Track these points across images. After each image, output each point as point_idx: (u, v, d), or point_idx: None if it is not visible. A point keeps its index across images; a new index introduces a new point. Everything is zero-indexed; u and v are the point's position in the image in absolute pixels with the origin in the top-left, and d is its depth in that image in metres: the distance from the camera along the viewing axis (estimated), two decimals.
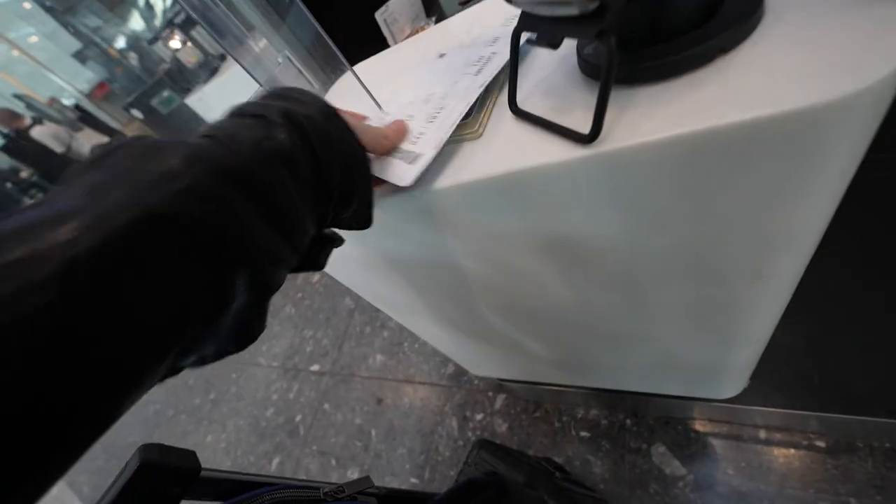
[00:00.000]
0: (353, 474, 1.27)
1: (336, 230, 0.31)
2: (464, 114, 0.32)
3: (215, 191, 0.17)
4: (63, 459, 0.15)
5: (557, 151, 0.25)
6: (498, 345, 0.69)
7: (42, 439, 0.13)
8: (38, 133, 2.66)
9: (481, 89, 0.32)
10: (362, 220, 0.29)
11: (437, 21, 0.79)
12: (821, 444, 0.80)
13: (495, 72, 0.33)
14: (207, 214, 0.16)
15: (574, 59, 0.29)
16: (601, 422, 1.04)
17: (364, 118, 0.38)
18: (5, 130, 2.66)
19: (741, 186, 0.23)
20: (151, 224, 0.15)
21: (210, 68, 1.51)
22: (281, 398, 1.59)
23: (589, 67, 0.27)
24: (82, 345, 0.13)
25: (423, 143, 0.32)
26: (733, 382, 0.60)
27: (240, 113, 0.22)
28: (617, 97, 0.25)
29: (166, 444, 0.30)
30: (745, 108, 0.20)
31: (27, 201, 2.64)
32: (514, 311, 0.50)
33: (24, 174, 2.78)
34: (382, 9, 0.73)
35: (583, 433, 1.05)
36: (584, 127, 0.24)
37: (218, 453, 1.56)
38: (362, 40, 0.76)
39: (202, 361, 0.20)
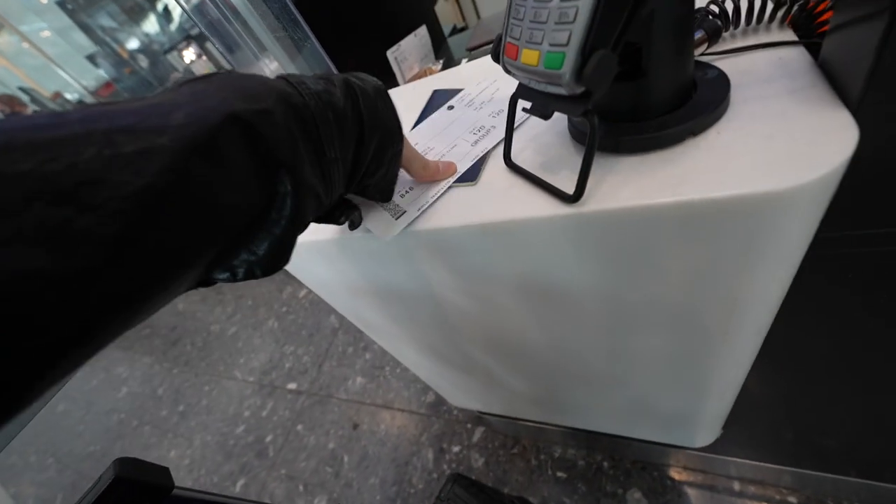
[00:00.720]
0: (321, 503, 1.22)
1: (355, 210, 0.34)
2: (449, 185, 0.34)
3: (282, 119, 0.21)
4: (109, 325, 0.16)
5: (544, 207, 0.27)
6: (478, 377, 0.70)
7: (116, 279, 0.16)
8: None
9: (471, 162, 0.35)
10: (384, 194, 0.33)
11: (445, 64, 0.84)
12: (793, 499, 0.81)
13: (490, 147, 0.36)
14: (274, 133, 0.21)
15: (565, 122, 0.32)
16: (578, 462, 1.04)
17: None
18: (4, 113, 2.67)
19: (703, 254, 0.26)
20: (234, 125, 0.19)
21: None
22: (253, 415, 1.54)
23: (577, 133, 0.30)
24: (175, 209, 0.17)
25: (409, 200, 0.34)
26: (706, 431, 0.61)
27: (310, 74, 0.27)
28: (600, 162, 0.27)
29: (127, 457, 0.30)
30: (708, 187, 0.23)
31: None
32: (495, 346, 0.52)
33: None
34: (394, 48, 0.77)
35: (559, 473, 1.04)
36: (570, 187, 0.26)
37: (180, 470, 1.49)
38: (372, 74, 0.80)
39: (233, 276, 0.22)
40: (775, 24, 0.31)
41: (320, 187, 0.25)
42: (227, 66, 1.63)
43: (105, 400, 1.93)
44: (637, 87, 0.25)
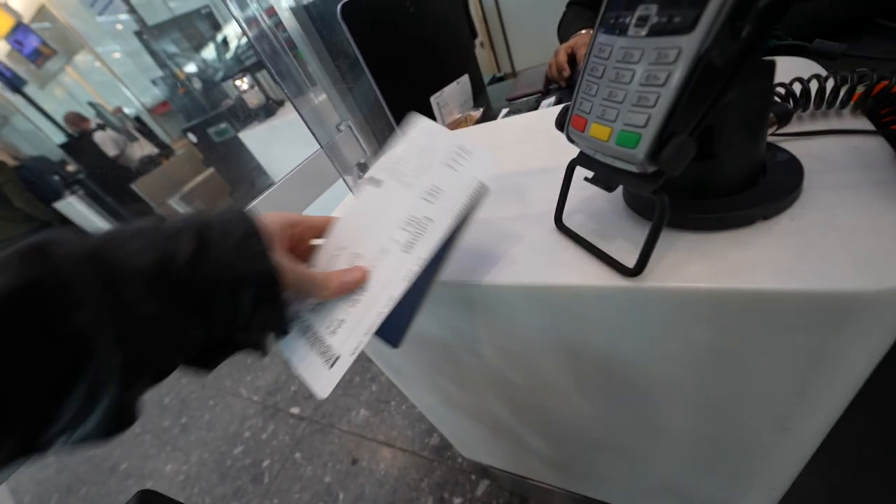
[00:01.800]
0: None
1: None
2: (385, 315, 0.26)
3: (83, 288, 0.19)
4: None
5: (600, 276, 0.26)
6: (494, 431, 0.66)
7: None
8: (98, 137, 2.89)
9: (406, 281, 0.26)
10: (262, 343, 0.28)
11: (484, 112, 0.87)
12: None
13: (426, 255, 0.26)
14: (69, 300, 0.18)
15: (620, 190, 0.32)
16: None
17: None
18: (70, 131, 2.90)
19: (772, 345, 0.24)
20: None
21: (268, 111, 1.66)
22: (253, 437, 1.50)
23: (636, 204, 0.29)
24: None
25: (342, 338, 0.27)
26: None
27: (160, 224, 0.24)
28: (661, 237, 0.27)
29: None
30: (788, 277, 0.21)
31: (68, 195, 2.78)
32: (520, 404, 0.49)
33: (71, 168, 2.96)
34: (438, 94, 0.81)
35: None
36: (627, 259, 0.25)
37: (174, 486, 1.45)
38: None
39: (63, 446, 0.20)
40: (847, 110, 0.30)
41: (117, 355, 0.20)
42: (274, 98, 1.76)
43: None
44: (707, 167, 0.24)
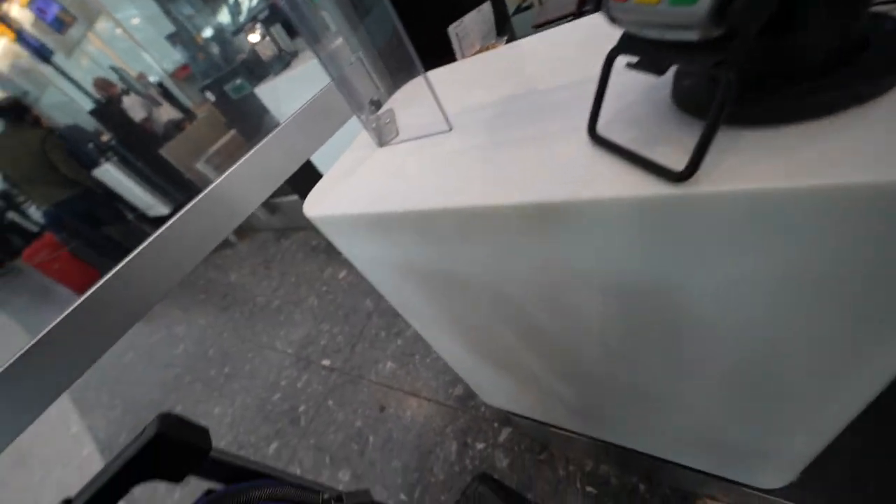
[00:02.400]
0: (345, 477, 1.24)
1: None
2: None
3: None
4: None
5: (640, 186, 0.23)
6: (518, 377, 0.65)
7: None
8: (127, 102, 2.94)
9: None
10: None
11: (508, 42, 0.79)
12: None
13: None
14: None
15: (667, 89, 0.27)
16: (611, 480, 0.97)
17: None
18: (98, 96, 2.95)
19: (856, 258, 0.20)
20: None
21: (283, 63, 1.60)
22: (289, 385, 1.60)
23: (687, 101, 0.24)
24: None
25: None
26: (781, 473, 0.53)
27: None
28: (717, 138, 0.22)
29: (179, 408, 0.30)
30: (878, 169, 0.17)
31: (103, 162, 2.89)
32: (547, 347, 0.47)
33: (105, 138, 3.05)
34: (456, 23, 0.73)
35: (589, 488, 0.97)
36: (675, 164, 0.21)
37: (222, 426, 1.59)
38: (429, 52, 0.77)
39: None
40: None
41: None
42: (287, 49, 1.69)
43: (164, 354, 2.11)
44: (786, 41, 0.19)
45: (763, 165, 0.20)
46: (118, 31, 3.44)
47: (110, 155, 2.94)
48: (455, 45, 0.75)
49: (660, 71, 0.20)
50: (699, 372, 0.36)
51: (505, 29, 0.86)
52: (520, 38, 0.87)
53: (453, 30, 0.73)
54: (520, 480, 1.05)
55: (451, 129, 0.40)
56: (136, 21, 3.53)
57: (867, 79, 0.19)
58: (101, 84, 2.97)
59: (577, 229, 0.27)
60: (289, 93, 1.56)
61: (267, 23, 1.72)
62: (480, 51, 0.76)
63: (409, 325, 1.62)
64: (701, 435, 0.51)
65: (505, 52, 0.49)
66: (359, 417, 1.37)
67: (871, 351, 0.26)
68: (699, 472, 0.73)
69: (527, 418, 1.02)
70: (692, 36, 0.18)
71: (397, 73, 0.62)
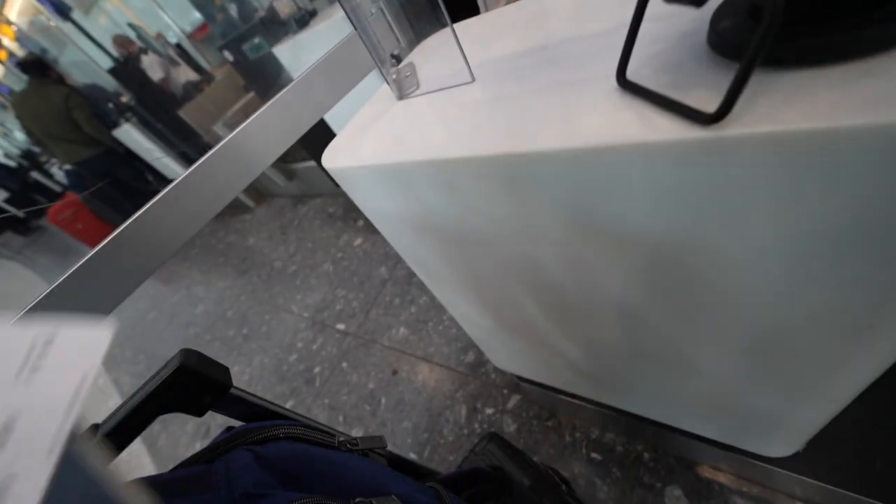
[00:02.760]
0: (357, 434, 1.31)
1: None
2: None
3: None
4: None
5: (670, 130, 0.22)
6: (530, 339, 0.66)
7: None
8: (146, 61, 2.93)
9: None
10: None
11: None
12: None
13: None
14: None
15: (702, 34, 0.25)
16: (616, 448, 0.99)
17: None
18: (116, 54, 2.95)
19: (891, 209, 0.19)
20: None
21: (302, 21, 1.57)
22: (305, 347, 1.66)
23: (723, 44, 0.23)
24: None
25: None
26: (786, 442, 0.54)
27: None
28: (755, 79, 0.21)
29: (192, 349, 0.31)
30: None
31: (123, 122, 2.93)
32: (564, 306, 0.48)
33: (124, 98, 3.07)
34: None
35: (594, 454, 1.00)
36: (708, 107, 0.21)
37: (240, 384, 1.64)
38: (453, 6, 0.73)
39: None
40: None
41: None
42: (305, 7, 1.65)
43: (185, 314, 2.20)
44: None
45: (800, 106, 0.19)
46: None
47: (129, 115, 2.97)
48: (479, 2, 0.72)
49: (698, 2, 0.19)
50: (716, 335, 0.36)
51: None
52: None
53: None
54: (526, 445, 1.09)
55: (473, 80, 0.40)
56: None
57: None
58: (121, 41, 2.96)
59: (601, 178, 0.27)
60: (308, 52, 1.53)
61: None
62: (505, 6, 0.72)
63: (422, 293, 1.65)
64: (712, 401, 0.52)
65: (532, 3, 0.46)
66: (371, 380, 1.42)
67: (890, 317, 0.25)
68: (705, 440, 0.75)
69: (536, 384, 1.04)
70: None
71: (419, 27, 0.60)
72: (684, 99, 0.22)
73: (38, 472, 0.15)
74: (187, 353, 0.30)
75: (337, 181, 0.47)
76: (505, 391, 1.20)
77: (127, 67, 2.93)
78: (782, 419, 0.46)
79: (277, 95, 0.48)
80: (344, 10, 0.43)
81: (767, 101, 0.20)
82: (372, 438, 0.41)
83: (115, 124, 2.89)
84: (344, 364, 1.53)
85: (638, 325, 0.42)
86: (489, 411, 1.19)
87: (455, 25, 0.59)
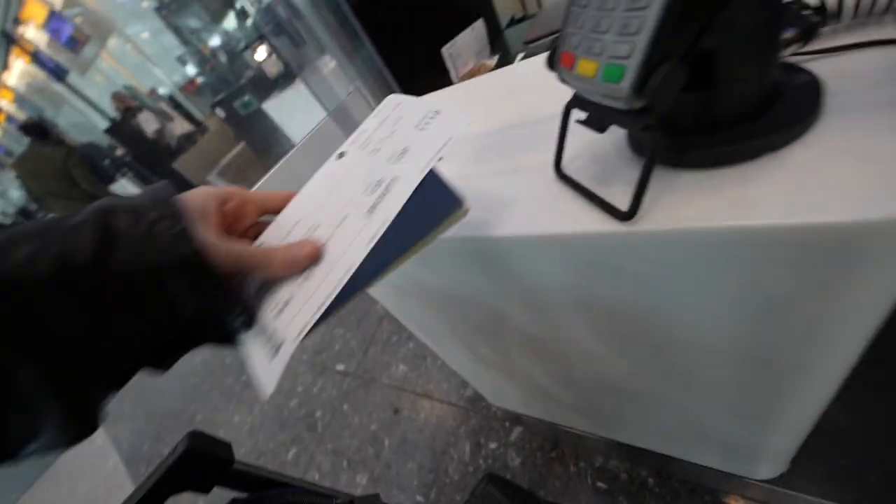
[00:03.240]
0: (363, 480, 1.29)
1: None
2: (341, 288, 0.22)
3: None
4: None
5: (595, 223, 0.26)
6: (521, 382, 0.69)
7: None
8: (143, 117, 3.05)
9: (370, 245, 0.22)
10: (225, 333, 0.24)
11: (500, 59, 0.82)
12: None
13: (393, 214, 0.23)
14: None
15: (623, 131, 0.30)
16: (621, 475, 0.99)
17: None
18: (115, 111, 3.07)
19: (775, 285, 0.23)
20: None
21: (289, 79, 1.67)
22: (305, 391, 1.66)
23: (636, 143, 0.28)
24: None
25: (287, 320, 0.23)
26: (770, 465, 0.56)
27: (59, 220, 0.22)
28: (660, 177, 0.25)
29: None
30: (784, 212, 0.20)
31: (119, 178, 3.01)
32: (543, 355, 0.51)
33: (120, 153, 3.18)
34: (449, 44, 0.77)
35: (599, 483, 1.00)
36: (624, 203, 0.25)
37: (242, 434, 1.65)
38: (425, 72, 0.80)
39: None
40: (891, 16, 0.26)
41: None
42: (293, 66, 1.76)
43: (183, 365, 2.16)
44: (707, 97, 0.22)
45: (693, 206, 0.23)
46: (129, 46, 3.56)
47: (125, 170, 3.06)
48: (449, 65, 0.78)
49: (601, 129, 0.23)
50: (676, 373, 0.39)
51: (498, 45, 0.89)
52: (513, 52, 0.90)
53: (446, 51, 0.77)
54: (531, 478, 1.08)
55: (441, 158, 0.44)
56: (145, 36, 3.64)
57: (779, 130, 0.22)
58: (119, 98, 3.08)
59: (550, 256, 0.31)
60: (294, 107, 1.62)
61: (273, 39, 1.78)
62: (473, 70, 0.79)
63: None
64: (696, 432, 0.54)
65: (492, 80, 0.52)
66: (374, 421, 1.41)
67: (813, 358, 0.29)
68: (703, 466, 0.76)
69: (536, 418, 1.05)
70: (621, 105, 0.21)
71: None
72: (607, 194, 0.27)
73: (412, 179, 0.24)
74: (193, 436, 0.33)
75: None
76: (507, 424, 1.20)
77: (123, 125, 3.05)
78: (757, 445, 0.48)
79: (266, 176, 0.53)
80: (318, 100, 0.48)
81: (670, 200, 0.24)
82: (368, 498, 0.43)
83: (112, 179, 2.97)
84: (345, 406, 1.52)
85: (613, 370, 0.45)
86: (492, 446, 1.19)
87: (425, 97, 0.65)
